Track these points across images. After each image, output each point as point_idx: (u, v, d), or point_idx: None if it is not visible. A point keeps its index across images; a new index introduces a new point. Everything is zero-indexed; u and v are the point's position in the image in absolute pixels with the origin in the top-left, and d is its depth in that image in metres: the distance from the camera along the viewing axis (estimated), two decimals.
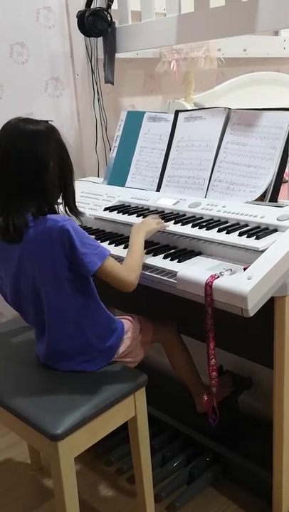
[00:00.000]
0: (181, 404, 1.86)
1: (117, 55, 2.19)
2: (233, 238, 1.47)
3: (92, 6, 2.10)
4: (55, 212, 1.39)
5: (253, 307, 1.27)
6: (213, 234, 1.52)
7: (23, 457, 1.95)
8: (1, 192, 1.37)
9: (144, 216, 1.71)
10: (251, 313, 1.27)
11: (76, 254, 1.33)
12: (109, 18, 2.10)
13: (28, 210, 1.34)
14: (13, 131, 1.35)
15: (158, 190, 1.94)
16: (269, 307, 1.35)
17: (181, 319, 1.73)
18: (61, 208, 1.45)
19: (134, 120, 2.11)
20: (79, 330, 1.44)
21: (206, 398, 1.49)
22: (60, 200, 1.44)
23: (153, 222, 1.60)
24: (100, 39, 2.18)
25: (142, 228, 1.56)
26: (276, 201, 1.63)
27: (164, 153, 1.96)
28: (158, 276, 1.47)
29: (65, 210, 1.45)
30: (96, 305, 1.46)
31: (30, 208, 1.34)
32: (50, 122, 1.40)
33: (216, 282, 1.32)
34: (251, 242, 1.42)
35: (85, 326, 1.44)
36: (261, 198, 1.65)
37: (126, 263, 1.45)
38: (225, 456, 1.76)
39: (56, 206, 1.41)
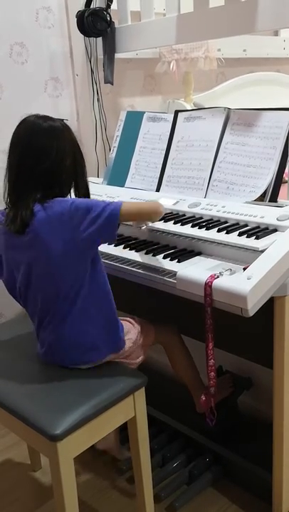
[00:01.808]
0: (181, 404, 1.86)
1: (117, 55, 2.19)
2: (233, 238, 1.47)
3: (91, 6, 2.10)
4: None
5: (252, 307, 1.26)
6: (212, 234, 1.52)
7: (23, 457, 1.95)
8: (16, 185, 1.41)
9: None
10: (251, 313, 1.27)
11: (94, 217, 1.34)
12: (108, 18, 2.10)
13: (35, 198, 1.37)
14: (31, 127, 1.40)
15: (158, 190, 1.94)
16: (269, 307, 1.35)
17: (180, 319, 1.73)
18: None
19: (134, 120, 2.11)
20: (86, 316, 1.43)
21: (203, 398, 1.49)
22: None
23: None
24: (100, 39, 2.18)
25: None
26: (276, 201, 1.63)
27: (163, 153, 1.96)
28: (158, 276, 1.47)
29: None
30: (105, 293, 1.47)
31: (38, 196, 1.38)
32: (64, 121, 1.44)
33: (216, 282, 1.31)
34: (251, 242, 1.42)
35: (92, 312, 1.44)
36: (261, 198, 1.65)
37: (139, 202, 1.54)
38: (225, 457, 1.75)
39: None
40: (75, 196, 1.48)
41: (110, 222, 1.36)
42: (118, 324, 1.52)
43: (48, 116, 1.42)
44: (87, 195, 1.49)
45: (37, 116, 1.42)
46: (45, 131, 1.39)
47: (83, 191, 1.48)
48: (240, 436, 1.82)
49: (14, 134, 1.42)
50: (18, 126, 1.42)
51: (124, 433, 1.67)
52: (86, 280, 1.41)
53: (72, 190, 1.48)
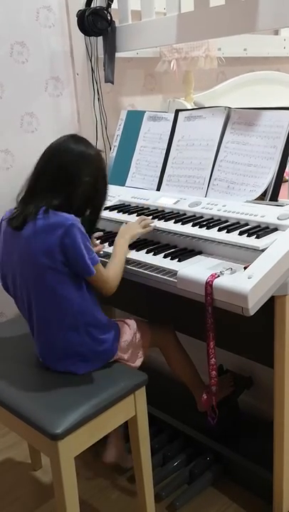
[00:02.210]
0: (182, 403, 1.86)
1: (117, 55, 2.19)
2: (234, 237, 1.47)
3: (92, 5, 2.09)
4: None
5: (253, 306, 1.26)
6: (213, 233, 1.52)
7: (23, 457, 1.95)
8: (32, 188, 1.44)
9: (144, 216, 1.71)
10: (252, 313, 1.27)
11: (77, 254, 1.35)
12: (109, 18, 2.10)
13: (43, 207, 1.39)
14: (71, 144, 1.45)
15: (158, 189, 1.94)
16: (269, 306, 1.35)
17: (181, 318, 1.73)
18: None
19: (135, 119, 2.11)
20: (73, 328, 1.43)
21: (205, 397, 1.49)
22: None
23: (137, 227, 1.64)
24: (100, 38, 2.18)
25: (127, 233, 1.61)
26: (276, 200, 1.63)
27: (164, 152, 1.96)
28: (158, 275, 1.47)
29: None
30: (91, 303, 1.46)
31: (47, 204, 1.39)
32: (101, 152, 1.51)
33: (217, 281, 1.31)
34: (251, 241, 1.42)
35: (79, 324, 1.43)
36: (261, 197, 1.65)
37: (111, 270, 1.49)
38: (225, 456, 1.75)
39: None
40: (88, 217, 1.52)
41: (84, 271, 1.39)
42: (108, 334, 1.51)
43: (88, 142, 1.49)
44: (92, 223, 1.54)
45: (80, 138, 1.49)
46: (80, 153, 1.44)
47: (92, 218, 1.53)
48: (240, 435, 1.82)
49: (54, 142, 1.47)
50: (61, 138, 1.48)
51: (124, 432, 1.67)
52: (65, 293, 1.40)
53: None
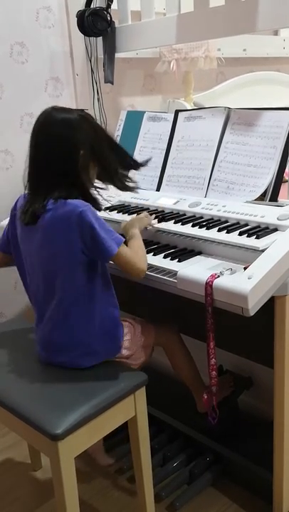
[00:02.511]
0: (182, 403, 1.86)
1: (117, 55, 2.19)
2: (234, 238, 1.47)
3: (91, 6, 2.09)
4: (87, 198, 1.41)
5: (253, 306, 1.27)
6: (213, 233, 1.52)
7: (23, 457, 1.95)
8: (33, 178, 1.42)
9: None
10: (252, 313, 1.27)
11: (96, 238, 1.34)
12: (109, 18, 2.10)
13: (51, 195, 1.37)
14: (45, 118, 1.40)
15: (158, 189, 1.94)
16: (269, 306, 1.35)
17: (181, 319, 1.73)
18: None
19: (134, 120, 2.11)
20: (84, 317, 1.43)
21: (205, 397, 1.49)
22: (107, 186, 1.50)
23: (145, 219, 1.65)
24: (100, 39, 2.18)
25: (136, 222, 1.60)
26: (276, 201, 1.63)
27: (164, 152, 1.96)
28: (158, 275, 1.47)
29: (118, 188, 1.49)
30: (106, 295, 1.46)
31: (54, 193, 1.38)
32: (85, 111, 1.45)
33: (217, 282, 1.31)
34: (251, 242, 1.42)
35: (90, 314, 1.43)
36: (261, 198, 1.65)
37: (133, 250, 1.46)
38: (225, 456, 1.76)
39: (92, 191, 1.45)
40: (107, 180, 1.50)
41: (104, 253, 1.37)
42: (118, 329, 1.51)
43: (64, 108, 1.43)
44: (116, 173, 1.50)
45: (53, 108, 1.42)
46: (58, 121, 1.38)
47: (113, 172, 1.49)
48: (240, 435, 1.82)
49: (33, 127, 1.43)
50: (36, 119, 1.43)
51: (124, 433, 1.67)
52: (84, 283, 1.40)
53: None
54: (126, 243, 1.45)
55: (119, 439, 1.86)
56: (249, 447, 1.75)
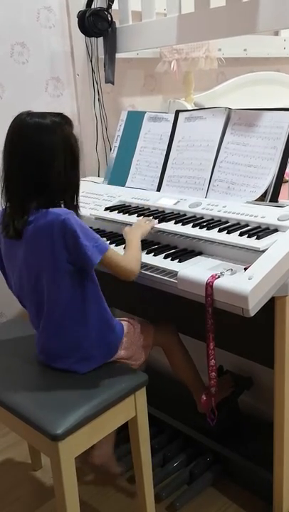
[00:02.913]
0: (182, 404, 1.86)
1: (118, 55, 2.19)
2: (234, 238, 1.47)
3: (92, 6, 2.10)
4: (59, 206, 1.39)
5: (253, 307, 1.27)
6: (213, 234, 1.52)
7: (23, 457, 1.95)
8: (7, 187, 1.38)
9: (144, 216, 1.71)
10: (252, 313, 1.27)
11: (79, 246, 1.32)
12: (109, 18, 2.10)
13: (30, 206, 1.35)
14: (19, 125, 1.37)
15: (158, 190, 1.94)
16: (270, 307, 1.35)
17: (181, 319, 1.73)
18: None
19: (135, 120, 2.11)
20: (78, 325, 1.43)
21: (204, 398, 1.49)
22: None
23: (144, 222, 1.64)
24: (101, 39, 2.18)
25: (136, 229, 1.60)
26: (277, 201, 1.63)
27: (164, 153, 1.96)
28: (158, 276, 1.47)
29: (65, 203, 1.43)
30: (97, 300, 1.45)
31: (32, 203, 1.35)
32: (62, 114, 1.41)
33: (217, 282, 1.32)
34: (252, 242, 1.42)
35: (83, 321, 1.43)
36: (262, 198, 1.65)
37: (126, 254, 1.48)
38: (225, 456, 1.76)
39: (74, 198, 1.42)
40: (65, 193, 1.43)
41: (87, 261, 1.34)
42: (113, 333, 1.50)
43: (37, 113, 1.37)
44: (71, 200, 1.42)
45: (27, 114, 1.38)
46: (31, 128, 1.34)
47: (72, 189, 1.43)
48: (240, 435, 1.82)
49: (6, 134, 1.39)
50: (10, 125, 1.39)
51: (124, 433, 1.67)
52: (74, 293, 1.40)
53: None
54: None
55: (120, 439, 1.86)
56: (249, 447, 1.75)
